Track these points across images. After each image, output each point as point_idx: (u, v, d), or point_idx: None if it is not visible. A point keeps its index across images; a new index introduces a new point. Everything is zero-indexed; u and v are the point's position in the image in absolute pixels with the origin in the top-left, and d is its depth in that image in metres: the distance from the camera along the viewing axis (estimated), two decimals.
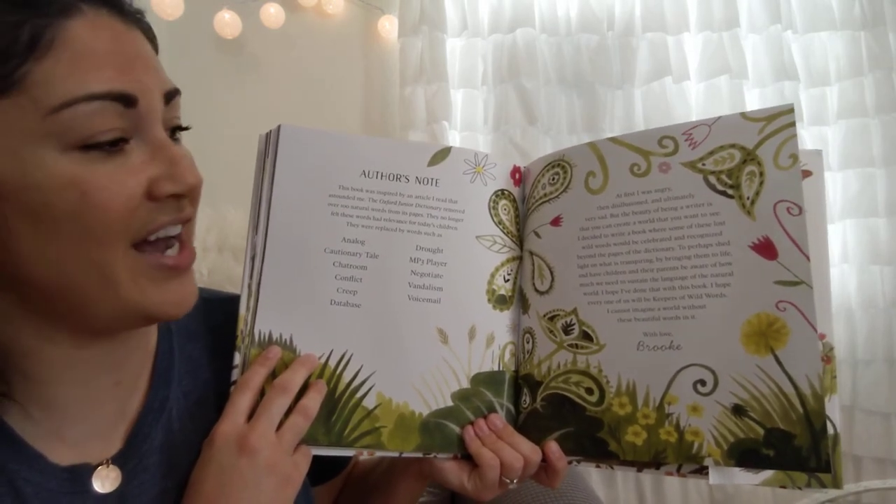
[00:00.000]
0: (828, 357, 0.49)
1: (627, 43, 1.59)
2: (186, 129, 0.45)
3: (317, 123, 1.60)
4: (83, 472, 0.44)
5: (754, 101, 1.60)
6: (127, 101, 0.38)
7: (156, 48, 0.44)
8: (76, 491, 0.43)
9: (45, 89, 0.35)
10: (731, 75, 1.56)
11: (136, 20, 0.42)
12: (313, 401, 0.50)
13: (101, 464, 0.45)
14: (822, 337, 0.48)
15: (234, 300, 0.55)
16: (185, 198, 0.43)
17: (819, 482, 0.48)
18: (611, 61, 1.59)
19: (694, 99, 1.61)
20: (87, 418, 0.45)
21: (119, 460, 0.46)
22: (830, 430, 0.46)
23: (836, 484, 0.47)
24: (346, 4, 1.62)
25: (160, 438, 0.48)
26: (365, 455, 0.54)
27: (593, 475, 1.54)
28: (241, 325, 0.52)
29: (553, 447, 0.53)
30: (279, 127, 0.55)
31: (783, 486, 0.49)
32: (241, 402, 0.47)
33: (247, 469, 0.44)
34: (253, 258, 0.54)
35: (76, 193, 0.36)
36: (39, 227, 0.37)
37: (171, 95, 0.42)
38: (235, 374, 0.51)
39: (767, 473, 0.49)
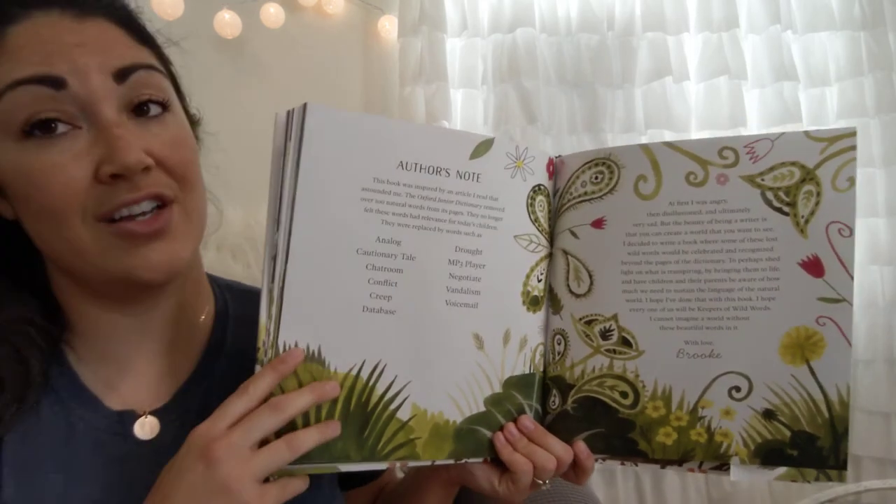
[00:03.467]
0: None
1: (627, 43, 1.59)
2: (161, 103, 0.45)
3: None
4: (128, 419, 0.49)
5: (754, 101, 1.60)
6: (53, 82, 0.40)
7: (135, 28, 0.46)
8: (119, 433, 0.48)
9: None
10: (730, 75, 1.56)
11: (94, 7, 0.43)
12: (310, 438, 0.43)
13: (145, 413, 0.49)
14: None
15: None
16: (132, 178, 0.42)
17: (826, 476, 0.50)
18: (611, 61, 1.59)
19: (694, 99, 1.61)
20: (138, 374, 0.50)
21: (160, 413, 0.50)
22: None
23: (841, 477, 0.50)
24: (346, 4, 1.62)
25: (198, 405, 0.51)
26: (398, 466, 0.52)
27: (594, 475, 1.54)
28: (261, 336, 0.46)
29: (582, 447, 0.53)
30: (305, 106, 0.48)
31: (794, 480, 0.51)
32: (232, 406, 0.42)
33: (199, 478, 0.39)
34: (274, 258, 0.47)
35: (24, 179, 0.41)
36: (20, 208, 0.44)
37: (125, 72, 0.43)
38: None
39: (781, 470, 0.51)
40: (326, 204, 0.47)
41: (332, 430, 0.45)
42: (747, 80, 1.58)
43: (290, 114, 0.48)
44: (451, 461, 0.52)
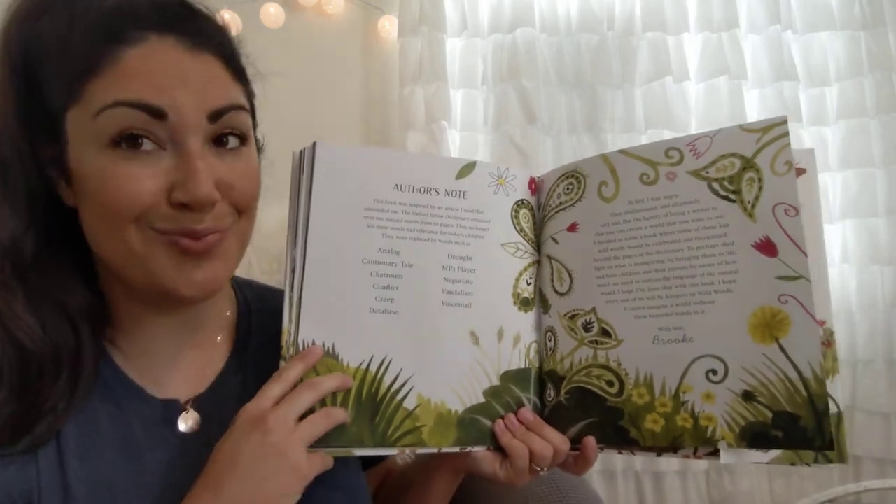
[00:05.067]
0: (828, 341, 0.52)
1: (627, 43, 1.59)
2: (241, 136, 0.50)
3: (316, 123, 1.60)
4: (174, 408, 0.53)
5: (754, 101, 1.61)
6: (154, 112, 0.44)
7: (235, 67, 0.51)
8: (168, 421, 0.52)
9: (93, 99, 0.44)
10: (730, 75, 1.56)
11: (209, 46, 0.48)
12: (340, 413, 0.51)
13: (188, 401, 0.53)
14: (821, 323, 0.51)
15: None
16: (201, 211, 0.46)
17: (825, 458, 0.51)
18: (611, 61, 1.59)
19: (694, 99, 1.61)
20: (175, 368, 0.54)
21: (199, 402, 0.54)
22: (833, 409, 0.50)
23: (842, 459, 0.51)
24: (346, 4, 1.62)
25: (234, 396, 0.55)
26: (407, 453, 0.57)
27: (593, 475, 1.54)
28: (285, 337, 0.54)
29: (591, 442, 0.56)
30: (314, 144, 0.56)
31: (792, 464, 0.52)
32: (272, 389, 0.49)
33: (257, 444, 0.46)
34: (293, 272, 0.55)
35: (99, 181, 0.45)
36: (85, 207, 0.47)
37: (219, 114, 0.47)
38: None
39: (776, 452, 0.52)
40: (335, 223, 0.56)
41: (342, 414, 0.52)
42: (747, 80, 1.58)
43: (302, 152, 0.57)
44: (457, 449, 0.57)
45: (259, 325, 0.60)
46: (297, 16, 1.60)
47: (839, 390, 0.52)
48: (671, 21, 1.58)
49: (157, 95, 0.44)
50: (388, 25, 1.61)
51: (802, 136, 1.57)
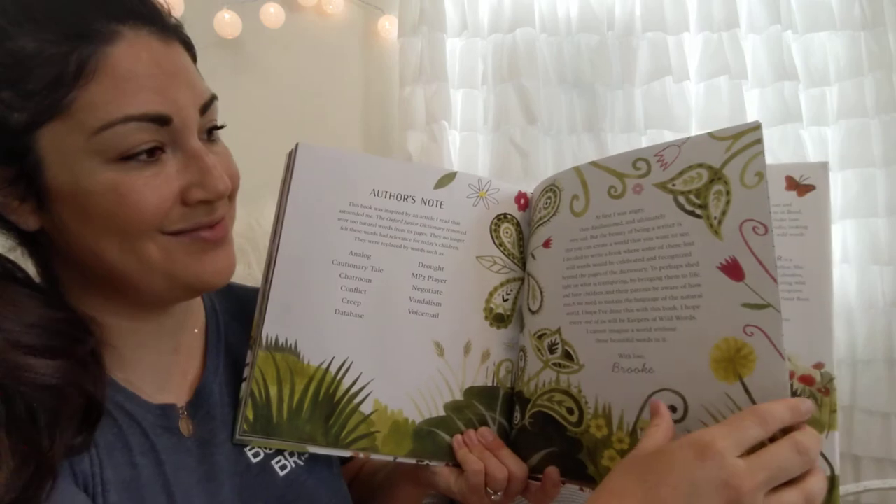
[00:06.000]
0: (826, 388, 0.46)
1: (627, 43, 1.59)
2: (222, 127, 0.49)
3: (316, 123, 1.60)
4: (171, 412, 0.50)
5: (754, 101, 1.60)
6: (161, 121, 0.43)
7: (194, 57, 0.48)
8: (169, 426, 0.50)
9: (88, 113, 0.40)
10: (730, 75, 1.56)
11: (176, 33, 0.46)
12: (818, 484, 0.40)
13: (182, 406, 0.52)
14: (820, 366, 0.46)
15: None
16: (215, 202, 0.46)
17: None
18: (611, 61, 1.59)
19: (694, 99, 1.61)
20: (157, 375, 0.52)
21: (190, 409, 0.52)
22: (827, 473, 0.44)
23: None
24: (346, 4, 1.62)
25: (217, 397, 0.54)
26: (361, 456, 0.56)
27: None
28: (254, 329, 0.56)
29: (552, 473, 0.53)
30: (297, 145, 0.58)
31: None
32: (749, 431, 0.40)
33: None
34: (268, 266, 0.56)
35: (115, 196, 0.42)
36: (86, 225, 0.44)
37: (207, 106, 0.47)
38: (247, 371, 0.55)
39: None
40: (308, 222, 0.57)
41: None
42: (747, 79, 1.58)
43: (291, 152, 0.58)
44: (413, 460, 0.56)
45: (227, 324, 0.60)
46: (297, 16, 1.59)
47: (837, 449, 0.45)
48: (671, 21, 1.58)
49: (161, 102, 0.42)
50: (388, 25, 1.61)
51: (803, 137, 1.57)
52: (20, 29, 0.40)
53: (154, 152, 0.43)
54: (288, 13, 1.56)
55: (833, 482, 0.44)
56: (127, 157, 0.42)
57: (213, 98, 0.48)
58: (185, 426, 0.51)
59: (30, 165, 0.42)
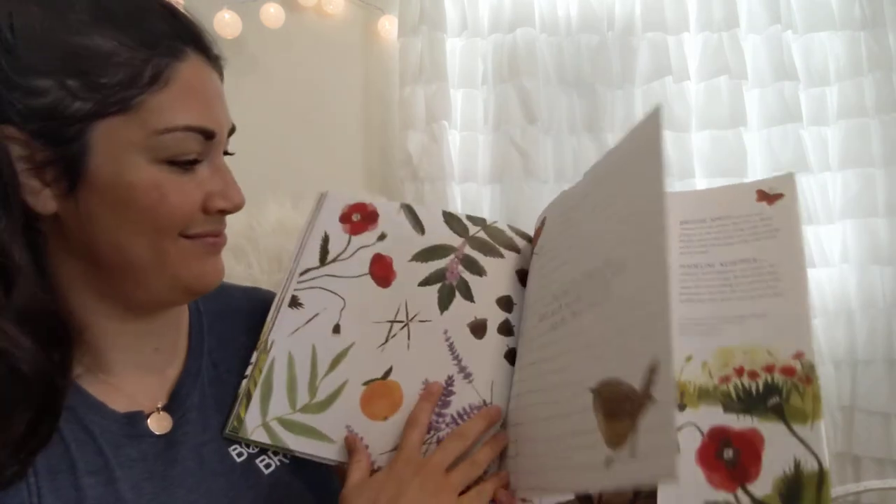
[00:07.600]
0: (808, 377, 0.45)
1: (627, 43, 1.59)
2: (231, 154, 0.54)
3: (316, 123, 1.60)
4: (138, 418, 0.52)
5: (754, 101, 1.61)
6: (208, 134, 0.48)
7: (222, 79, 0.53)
8: (133, 434, 0.51)
9: (155, 116, 0.45)
10: (730, 75, 1.56)
11: (218, 63, 0.52)
12: (484, 455, 0.54)
13: (152, 412, 0.53)
14: (800, 355, 0.45)
15: (254, 290, 0.67)
16: (230, 213, 0.52)
17: None
18: (611, 61, 1.59)
19: (694, 99, 1.61)
20: (137, 377, 0.53)
21: (168, 409, 0.54)
22: (815, 467, 0.42)
23: None
24: (346, 4, 1.62)
25: (197, 398, 0.55)
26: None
27: None
28: (264, 332, 0.59)
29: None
30: (327, 193, 0.65)
31: None
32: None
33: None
34: (287, 279, 0.61)
35: (158, 194, 0.46)
36: (118, 216, 0.46)
37: (232, 131, 0.53)
38: (249, 369, 0.58)
39: None
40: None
41: (501, 440, 0.55)
42: (747, 79, 1.58)
43: (322, 194, 0.65)
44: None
45: (209, 325, 0.61)
46: (297, 16, 1.59)
47: (823, 437, 0.43)
48: (671, 21, 1.58)
49: (211, 119, 0.48)
50: (388, 25, 1.61)
51: (803, 137, 1.57)
52: (97, 27, 0.44)
53: (194, 161, 0.48)
54: (288, 13, 1.56)
55: (822, 477, 0.41)
56: (173, 161, 0.47)
57: (234, 128, 0.53)
58: (159, 424, 0.52)
59: (73, 152, 0.44)
